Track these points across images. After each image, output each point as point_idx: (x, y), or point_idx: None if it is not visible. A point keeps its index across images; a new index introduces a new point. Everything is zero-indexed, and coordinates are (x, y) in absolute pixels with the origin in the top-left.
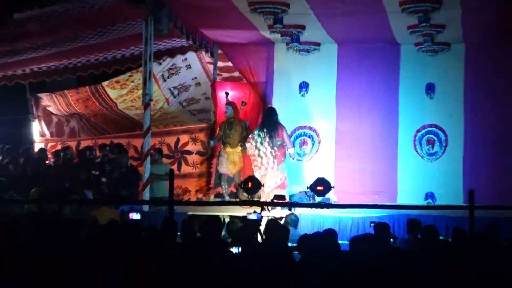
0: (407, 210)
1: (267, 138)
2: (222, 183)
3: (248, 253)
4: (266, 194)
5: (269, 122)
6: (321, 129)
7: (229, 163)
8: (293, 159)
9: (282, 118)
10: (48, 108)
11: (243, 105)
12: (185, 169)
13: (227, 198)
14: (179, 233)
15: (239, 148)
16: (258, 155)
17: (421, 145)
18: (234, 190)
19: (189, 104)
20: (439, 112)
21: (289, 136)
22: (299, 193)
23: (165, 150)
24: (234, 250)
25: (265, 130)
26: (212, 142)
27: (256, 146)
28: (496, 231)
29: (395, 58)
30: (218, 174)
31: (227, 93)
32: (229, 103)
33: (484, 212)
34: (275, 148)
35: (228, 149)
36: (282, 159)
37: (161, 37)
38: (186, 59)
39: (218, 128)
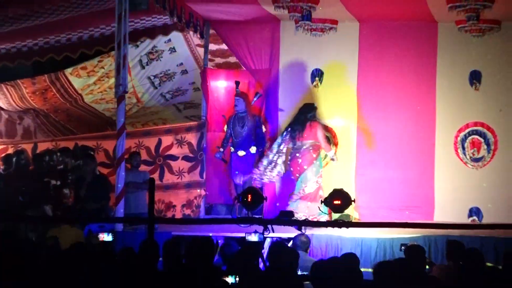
0: (447, 230)
1: (287, 141)
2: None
3: (247, 283)
4: None
5: (297, 119)
6: (338, 128)
7: (240, 168)
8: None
9: (290, 114)
10: None
11: (258, 97)
12: (168, 178)
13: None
14: (161, 259)
15: (253, 149)
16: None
17: (464, 148)
18: None
19: (174, 96)
20: (487, 107)
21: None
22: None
23: (144, 155)
24: (230, 280)
25: (288, 129)
26: (218, 155)
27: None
28: None
29: (431, 39)
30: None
31: (237, 83)
32: (239, 94)
33: None
34: (297, 154)
35: (240, 152)
36: (305, 167)
37: (138, 13)
38: (169, 40)
39: (226, 126)
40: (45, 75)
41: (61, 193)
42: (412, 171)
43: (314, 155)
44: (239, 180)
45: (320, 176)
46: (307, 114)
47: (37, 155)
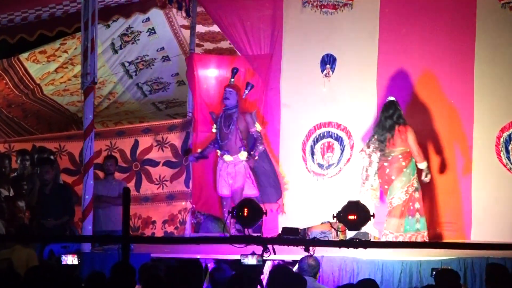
0: (486, 251)
1: (378, 149)
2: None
3: None
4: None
5: (383, 126)
6: (354, 127)
7: (227, 177)
8: (426, 176)
9: (296, 109)
10: None
11: (250, 89)
12: (147, 188)
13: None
14: (137, 286)
15: (244, 154)
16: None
17: (508, 151)
18: None
19: (153, 90)
20: None
21: (369, 141)
22: (320, 224)
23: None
24: None
25: (375, 136)
26: (190, 157)
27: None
28: None
29: (467, 18)
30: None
31: (235, 69)
32: (232, 85)
33: None
34: (385, 164)
35: (227, 158)
36: (393, 177)
37: None
38: (148, 20)
39: (215, 126)
40: None
41: (14, 205)
42: (444, 179)
43: (404, 163)
44: (227, 190)
45: (412, 185)
46: (393, 116)
47: None
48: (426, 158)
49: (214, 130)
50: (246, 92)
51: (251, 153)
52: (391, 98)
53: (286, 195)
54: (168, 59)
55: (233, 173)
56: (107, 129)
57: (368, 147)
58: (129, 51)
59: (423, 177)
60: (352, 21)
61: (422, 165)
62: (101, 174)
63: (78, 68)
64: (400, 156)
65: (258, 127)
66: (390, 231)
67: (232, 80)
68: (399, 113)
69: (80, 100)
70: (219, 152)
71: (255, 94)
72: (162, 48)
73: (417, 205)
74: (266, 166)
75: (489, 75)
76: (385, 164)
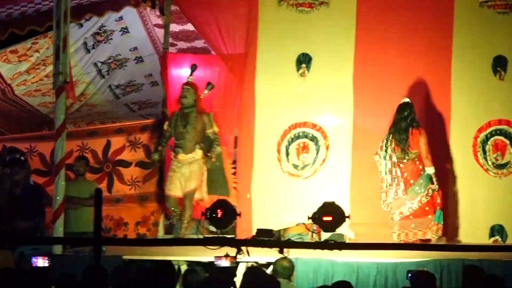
0: (463, 253)
1: (395, 152)
2: (172, 209)
3: None
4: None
5: (399, 128)
6: (330, 127)
7: (180, 178)
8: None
9: (270, 109)
10: None
11: (209, 89)
12: (119, 189)
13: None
14: None
15: (198, 153)
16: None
17: (485, 152)
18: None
19: (126, 92)
20: None
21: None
22: (295, 226)
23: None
24: None
25: (392, 139)
26: (155, 155)
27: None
28: None
29: (445, 17)
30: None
31: (194, 66)
32: (189, 83)
33: None
34: (401, 166)
35: (181, 156)
36: (411, 181)
37: None
38: (121, 18)
39: (166, 123)
40: None
41: None
42: None
43: (421, 166)
44: (180, 192)
45: (433, 183)
46: (407, 118)
47: None
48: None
49: (165, 127)
50: (205, 92)
51: (208, 154)
52: (406, 100)
53: (260, 196)
54: (141, 60)
55: (187, 174)
56: (79, 129)
57: (383, 149)
58: (102, 51)
59: (430, 184)
60: (328, 20)
61: (430, 170)
62: (72, 175)
63: (50, 68)
64: (416, 159)
65: (215, 128)
66: (419, 229)
67: (191, 78)
68: (413, 115)
69: (52, 101)
70: (173, 153)
71: (216, 95)
72: (135, 48)
73: (438, 200)
74: (218, 163)
75: (466, 75)
76: (401, 166)
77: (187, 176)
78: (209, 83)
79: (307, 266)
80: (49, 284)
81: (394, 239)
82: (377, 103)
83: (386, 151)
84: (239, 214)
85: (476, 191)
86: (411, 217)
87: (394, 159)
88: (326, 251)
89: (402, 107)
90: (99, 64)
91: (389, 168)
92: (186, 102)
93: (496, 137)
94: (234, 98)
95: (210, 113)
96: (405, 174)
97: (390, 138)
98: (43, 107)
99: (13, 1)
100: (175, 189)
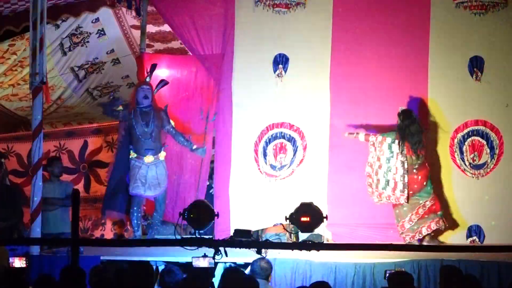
0: (440, 253)
1: (406, 157)
2: (135, 208)
3: None
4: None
5: (409, 130)
6: (307, 127)
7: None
8: None
9: (248, 110)
10: None
11: (162, 85)
12: (96, 189)
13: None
14: None
15: (163, 155)
16: (376, 172)
17: (462, 152)
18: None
19: (102, 93)
20: (490, 102)
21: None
22: (273, 226)
23: (65, 161)
24: None
25: (402, 144)
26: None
27: (377, 159)
28: None
29: (421, 18)
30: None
31: (153, 66)
32: (149, 83)
33: None
34: (414, 170)
35: (148, 158)
36: (424, 183)
37: None
38: (97, 20)
39: (119, 123)
40: None
41: None
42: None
43: (428, 168)
44: (151, 193)
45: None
46: (416, 122)
47: None
48: None
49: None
50: (157, 89)
51: (194, 148)
52: (405, 108)
53: (238, 197)
54: (118, 62)
55: (156, 176)
56: (56, 130)
57: (399, 155)
58: (78, 54)
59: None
60: (305, 20)
61: None
62: (47, 176)
63: (27, 70)
64: (425, 161)
65: (172, 122)
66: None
67: (149, 78)
68: (418, 121)
69: (28, 105)
70: (134, 154)
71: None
72: (112, 51)
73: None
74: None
75: (443, 75)
76: (414, 170)
77: (157, 178)
78: (162, 80)
79: (285, 267)
80: (27, 285)
81: (407, 241)
82: (354, 104)
83: (391, 150)
84: (217, 215)
85: (453, 192)
86: (425, 216)
87: (406, 165)
88: (304, 251)
89: (407, 113)
90: (76, 69)
91: (401, 174)
92: (147, 102)
93: (473, 137)
94: (211, 98)
95: (164, 107)
96: (419, 177)
97: (401, 144)
98: (20, 111)
99: None
100: (139, 189)
